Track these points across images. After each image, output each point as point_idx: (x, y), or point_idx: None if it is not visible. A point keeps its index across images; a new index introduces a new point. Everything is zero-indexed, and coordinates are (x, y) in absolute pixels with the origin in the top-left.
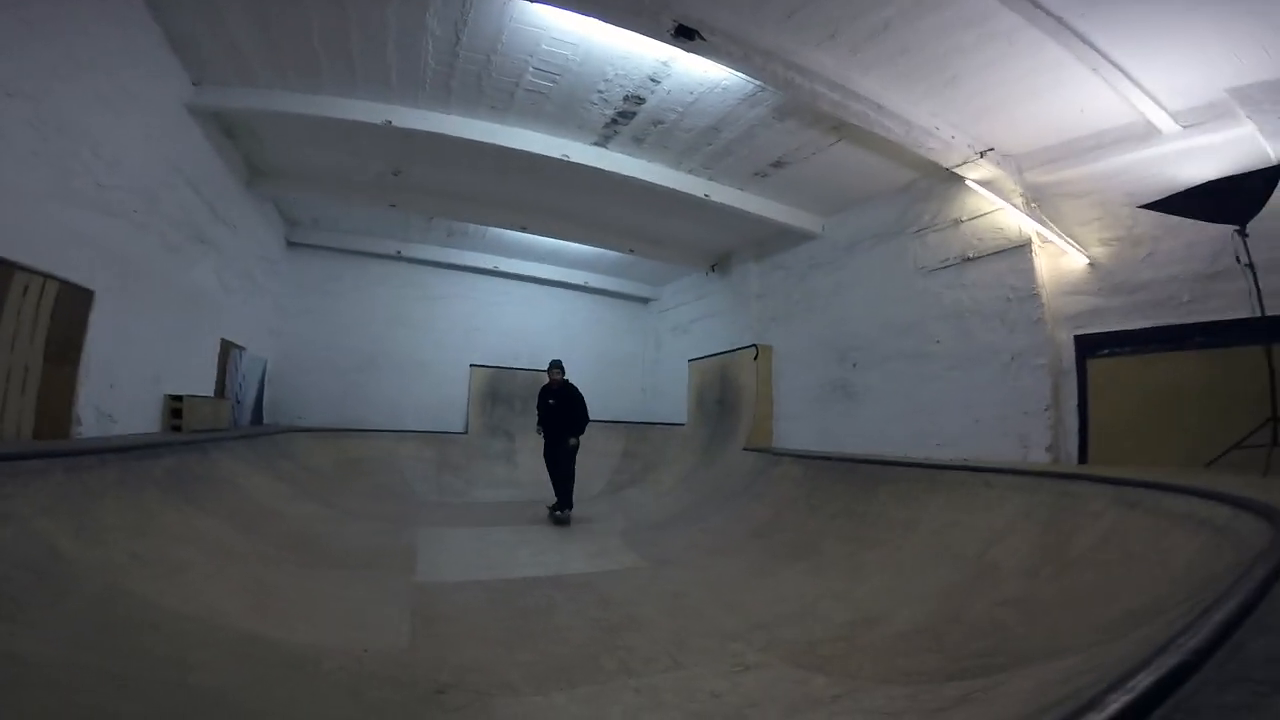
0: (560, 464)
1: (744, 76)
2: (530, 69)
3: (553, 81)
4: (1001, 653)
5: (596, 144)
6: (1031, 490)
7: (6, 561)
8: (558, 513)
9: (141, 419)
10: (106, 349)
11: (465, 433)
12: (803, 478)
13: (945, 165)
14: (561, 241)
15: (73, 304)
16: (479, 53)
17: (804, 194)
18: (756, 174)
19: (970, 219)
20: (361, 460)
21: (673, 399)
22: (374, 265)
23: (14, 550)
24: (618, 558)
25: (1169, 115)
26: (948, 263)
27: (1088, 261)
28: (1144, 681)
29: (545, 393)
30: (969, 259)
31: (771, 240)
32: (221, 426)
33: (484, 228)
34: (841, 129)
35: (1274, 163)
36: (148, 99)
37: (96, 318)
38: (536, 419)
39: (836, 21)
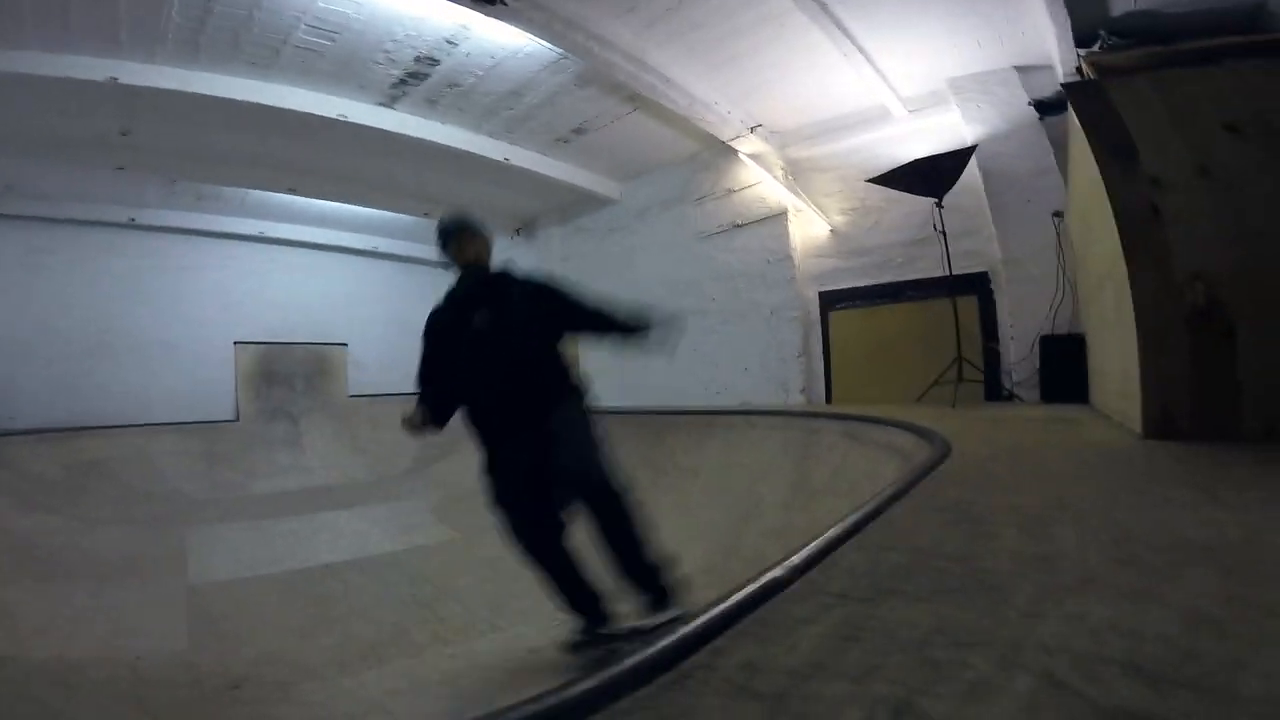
0: (570, 484)
1: (546, 44)
2: (303, 26)
3: (330, 40)
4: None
5: (382, 104)
6: (785, 428)
7: None
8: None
9: None
10: None
11: (236, 420)
12: (608, 433)
13: (721, 138)
14: (345, 205)
15: None
16: (238, 7)
17: (603, 160)
18: (558, 140)
19: (741, 189)
20: (103, 461)
21: None
22: (98, 234)
23: None
24: (429, 532)
25: (900, 100)
26: (721, 229)
27: (830, 229)
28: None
29: (455, 308)
30: (738, 225)
31: (574, 205)
32: None
33: (242, 190)
34: (636, 99)
35: (966, 145)
36: None
37: None
38: (421, 400)
39: None
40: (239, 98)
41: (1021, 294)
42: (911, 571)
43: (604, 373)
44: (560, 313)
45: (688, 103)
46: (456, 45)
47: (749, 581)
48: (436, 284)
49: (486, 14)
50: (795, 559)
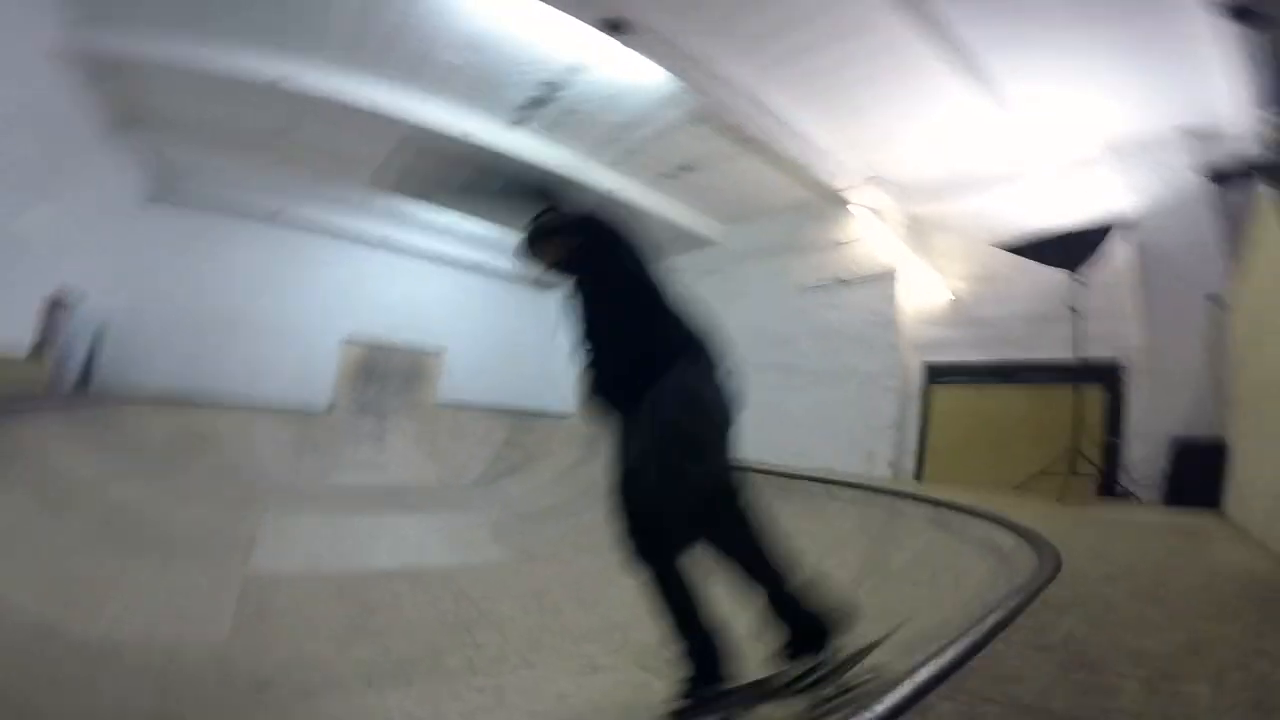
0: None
1: (665, 77)
2: (447, 41)
3: (469, 58)
4: None
5: (509, 125)
6: (867, 504)
7: None
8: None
9: None
10: None
11: (330, 410)
12: None
13: (834, 187)
14: (462, 219)
15: None
16: (393, 19)
17: (708, 200)
18: (664, 175)
19: (850, 243)
20: (209, 436)
21: (566, 389)
22: (248, 225)
23: None
24: (484, 551)
25: (1042, 159)
26: (824, 283)
27: (946, 294)
28: None
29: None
30: (843, 282)
31: (673, 242)
32: (38, 391)
33: (376, 195)
34: (749, 141)
35: (1113, 218)
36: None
37: None
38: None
39: (761, 37)
40: (384, 108)
41: (1157, 387)
42: None
43: None
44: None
45: (803, 148)
46: (580, 73)
47: None
48: (536, 305)
49: (613, 38)
50: (880, 708)
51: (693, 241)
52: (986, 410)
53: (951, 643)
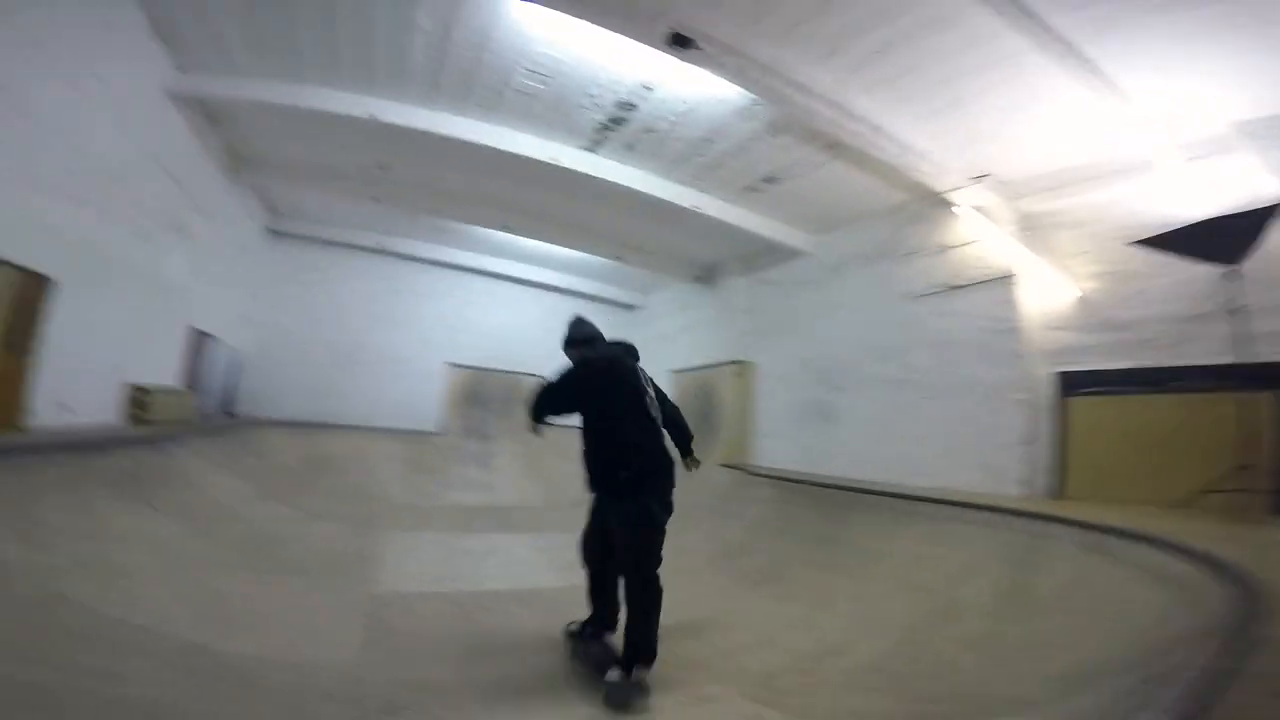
0: (593, 552)
1: (739, 89)
2: (521, 69)
3: (543, 84)
4: (956, 697)
5: (587, 149)
6: (1002, 528)
7: None
8: (615, 672)
9: (102, 409)
10: (67, 337)
11: (440, 432)
12: (778, 500)
13: (937, 190)
14: (548, 244)
15: (32, 291)
16: (469, 50)
17: (794, 211)
18: (747, 188)
19: (959, 246)
20: (332, 458)
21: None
22: (356, 258)
23: None
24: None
25: (1170, 146)
26: (933, 290)
27: (1076, 296)
28: None
29: (580, 379)
30: (955, 287)
31: (760, 255)
32: (187, 418)
33: (468, 226)
34: (836, 147)
35: (1270, 202)
36: (124, 84)
37: (57, 306)
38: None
39: (837, 39)
40: (469, 138)
41: None
42: None
43: (777, 435)
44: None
45: (899, 151)
46: (652, 90)
47: None
48: (619, 326)
49: (681, 58)
50: None
51: (783, 254)
52: (1134, 422)
53: (1176, 689)
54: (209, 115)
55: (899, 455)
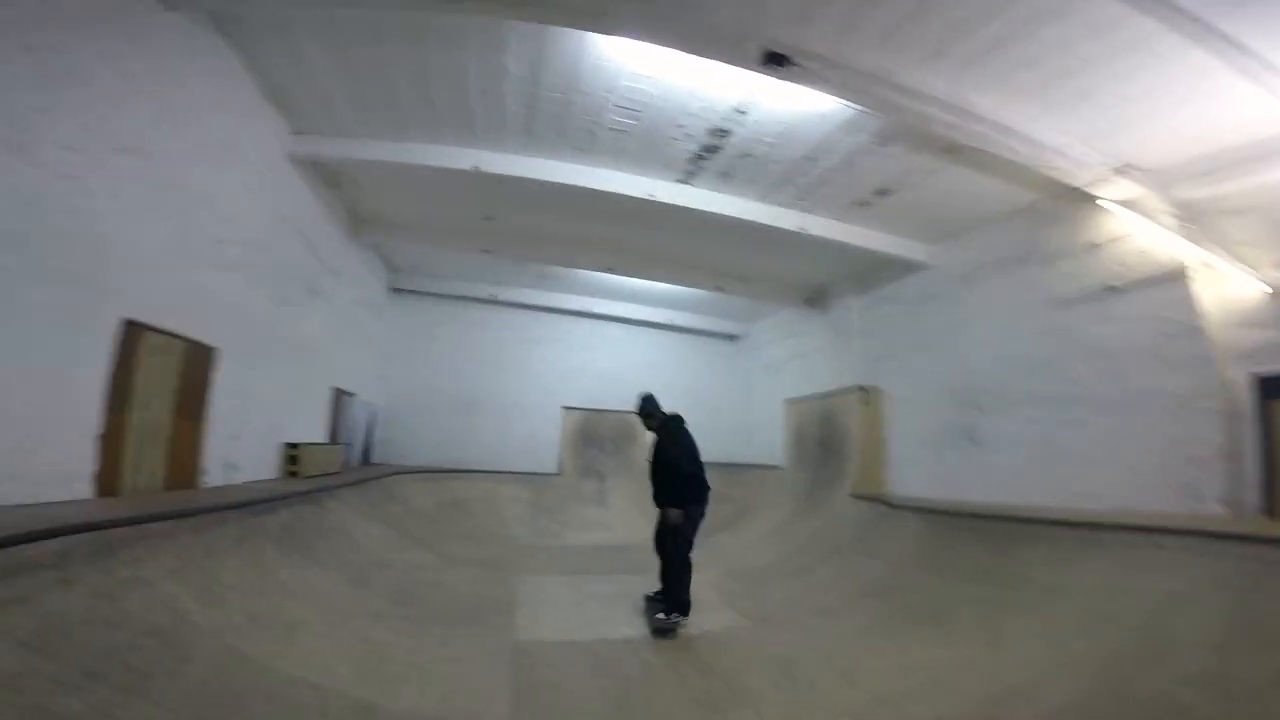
0: (673, 542)
1: (842, 102)
2: (611, 105)
3: (634, 118)
4: None
5: (680, 181)
6: (1215, 554)
7: (136, 629)
8: (659, 615)
9: (262, 466)
10: (230, 402)
11: (558, 473)
12: (925, 533)
13: (1075, 185)
14: (648, 281)
15: (199, 361)
16: (559, 92)
17: (910, 222)
18: (857, 203)
19: (1110, 243)
20: (463, 501)
21: (766, 440)
22: (471, 309)
23: (144, 617)
24: (715, 615)
25: None
26: (1087, 293)
27: (1265, 289)
28: None
29: (659, 441)
30: (1113, 289)
31: (875, 272)
32: (334, 470)
33: (573, 270)
34: (954, 152)
35: None
36: (250, 150)
37: (220, 373)
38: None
39: (942, 40)
40: (569, 181)
41: None
42: None
43: (911, 462)
44: (657, 456)
45: (1030, 150)
46: (746, 114)
47: None
48: (722, 357)
49: (777, 76)
50: None
51: (901, 268)
52: None
53: None
54: (326, 177)
55: (1065, 478)
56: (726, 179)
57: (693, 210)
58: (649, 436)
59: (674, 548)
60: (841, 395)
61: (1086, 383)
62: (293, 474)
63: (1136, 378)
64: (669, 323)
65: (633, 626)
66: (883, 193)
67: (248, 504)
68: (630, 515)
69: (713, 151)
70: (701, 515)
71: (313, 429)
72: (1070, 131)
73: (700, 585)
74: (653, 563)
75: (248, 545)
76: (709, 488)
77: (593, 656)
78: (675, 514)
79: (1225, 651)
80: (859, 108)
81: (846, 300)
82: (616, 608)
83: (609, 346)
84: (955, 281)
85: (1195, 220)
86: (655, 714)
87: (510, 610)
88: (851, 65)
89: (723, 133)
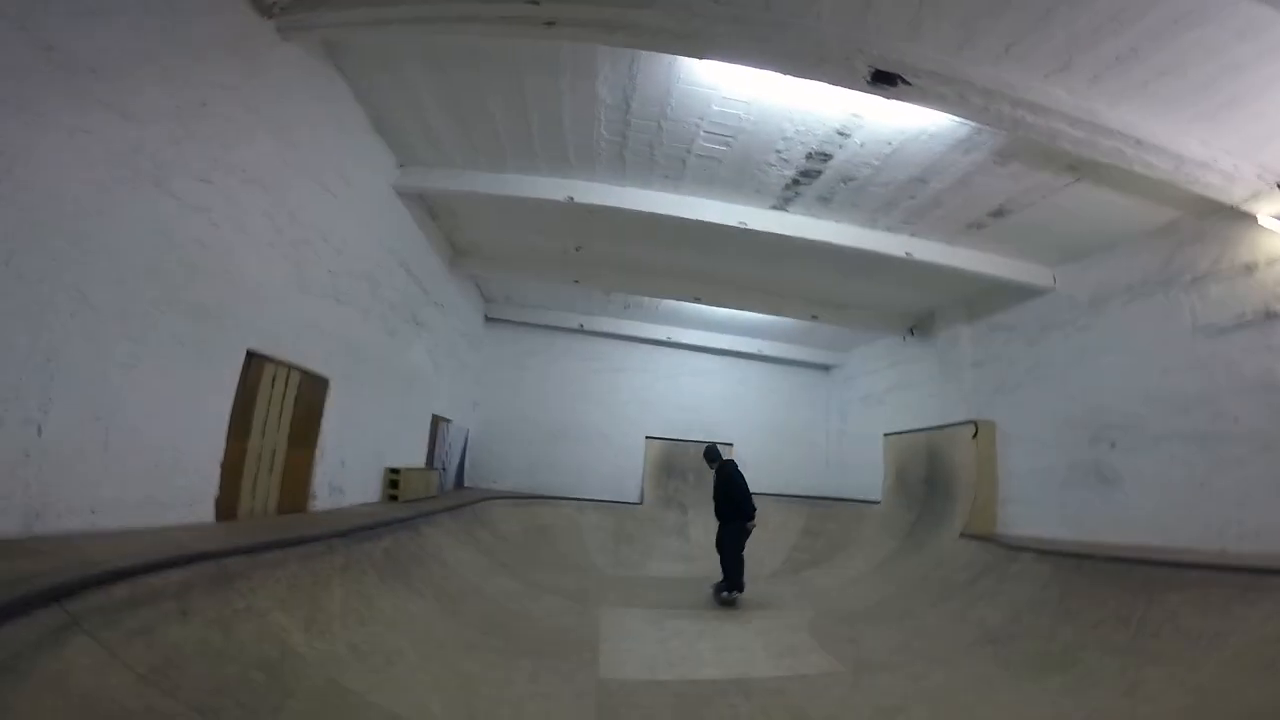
0: (724, 545)
1: (957, 119)
2: (701, 133)
3: (726, 145)
4: None
5: (776, 208)
6: None
7: (245, 661)
8: (724, 594)
9: (365, 490)
10: (338, 430)
11: (640, 503)
12: (1050, 577)
13: (1229, 201)
14: (737, 311)
15: (312, 391)
16: (649, 119)
17: (1030, 243)
18: (971, 225)
19: (1270, 264)
20: (548, 528)
21: (862, 475)
22: (560, 339)
23: (253, 649)
24: (809, 658)
25: None
26: (1243, 320)
27: None
28: None
29: (720, 479)
30: (1276, 314)
31: (988, 297)
32: (431, 494)
33: (658, 300)
34: (1079, 168)
35: None
36: (361, 182)
37: (331, 402)
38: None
39: (1067, 52)
40: (659, 211)
41: None
42: None
43: (1029, 501)
44: (726, 485)
45: (1172, 164)
46: (849, 136)
47: None
48: (813, 387)
49: (888, 96)
50: None
51: (1019, 293)
52: None
53: None
54: (428, 209)
55: (1219, 521)
56: (825, 204)
57: (788, 238)
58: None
59: (732, 547)
60: (950, 429)
61: (1244, 419)
62: (393, 497)
63: None
64: (757, 352)
65: (717, 667)
66: (999, 214)
67: (352, 531)
68: (711, 547)
69: (811, 176)
70: (748, 530)
71: (413, 454)
72: (1219, 143)
73: (793, 627)
74: (730, 610)
75: (352, 573)
76: (755, 508)
77: (678, 698)
78: (731, 527)
79: None
80: (976, 124)
81: (955, 328)
82: (700, 646)
83: (694, 376)
84: (1081, 307)
85: None
86: None
87: (594, 645)
88: (968, 80)
89: (823, 157)
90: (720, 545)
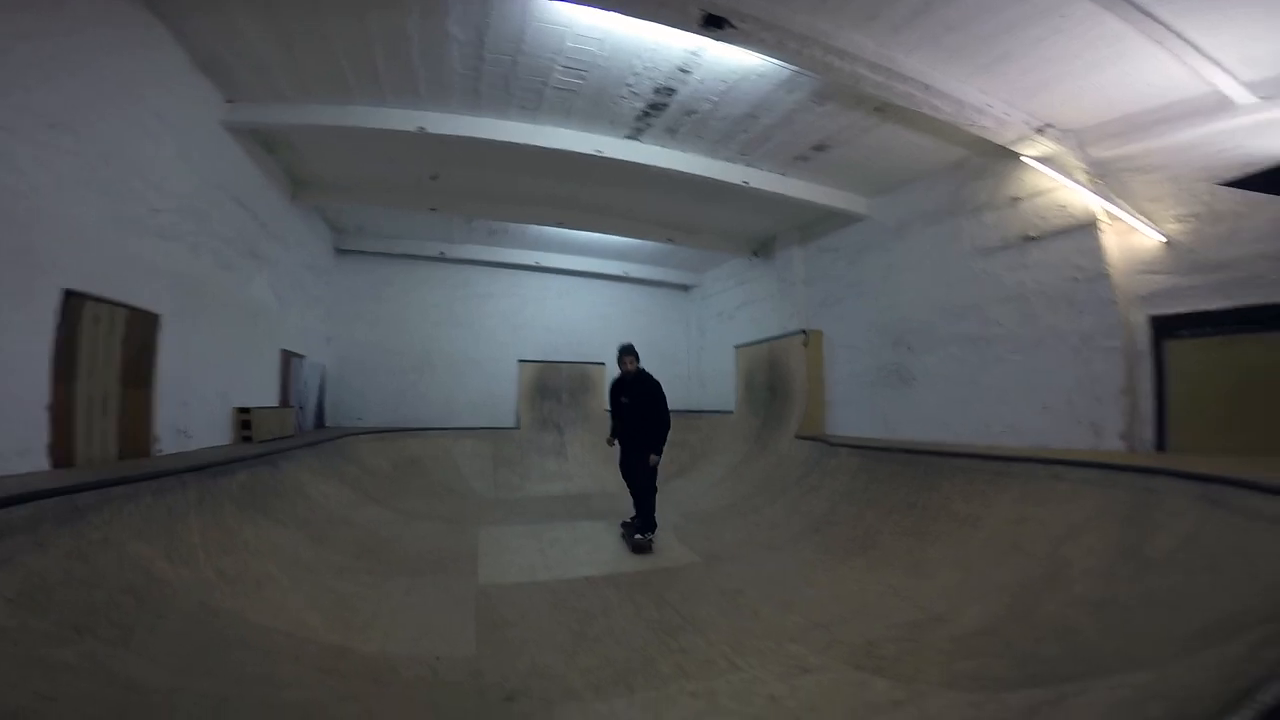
0: (638, 477)
1: (777, 62)
2: (557, 67)
3: (581, 78)
4: (1072, 659)
5: (629, 137)
6: (1107, 484)
7: (113, 587)
8: (637, 536)
9: (214, 433)
10: (177, 369)
11: (517, 427)
12: (859, 469)
13: (999, 143)
14: (600, 234)
15: (142, 328)
16: (504, 54)
17: (848, 176)
18: (797, 158)
19: (1030, 197)
20: (420, 459)
21: (719, 387)
22: (420, 268)
23: (116, 576)
24: (671, 554)
25: (1243, 86)
26: (1007, 243)
27: (1164, 240)
28: None
29: (617, 388)
30: (1030, 238)
31: (816, 223)
32: (288, 434)
33: (523, 225)
34: (885, 110)
35: None
36: (182, 120)
37: (165, 340)
38: (610, 426)
39: (875, 3)
40: (516, 140)
41: None
42: None
43: (849, 402)
44: (654, 403)
45: (955, 109)
46: (690, 73)
47: None
48: (675, 306)
49: (716, 38)
50: None
51: (841, 219)
52: (1241, 364)
53: None
54: (265, 143)
55: (986, 416)
56: (673, 135)
57: (641, 165)
58: (608, 386)
59: (648, 481)
60: (786, 339)
61: (1005, 324)
62: (246, 438)
63: (1047, 319)
64: (622, 274)
65: (592, 566)
66: (821, 148)
67: (204, 467)
68: (590, 465)
69: (659, 109)
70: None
71: (264, 393)
72: (994, 92)
73: (660, 529)
74: (612, 509)
75: (208, 506)
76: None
77: (554, 595)
78: (658, 459)
79: (1111, 577)
80: (794, 68)
81: (791, 250)
82: (576, 551)
83: (563, 300)
84: (890, 232)
85: (1106, 177)
86: (612, 641)
87: (473, 559)
88: (787, 27)
89: (668, 91)
90: (630, 474)
